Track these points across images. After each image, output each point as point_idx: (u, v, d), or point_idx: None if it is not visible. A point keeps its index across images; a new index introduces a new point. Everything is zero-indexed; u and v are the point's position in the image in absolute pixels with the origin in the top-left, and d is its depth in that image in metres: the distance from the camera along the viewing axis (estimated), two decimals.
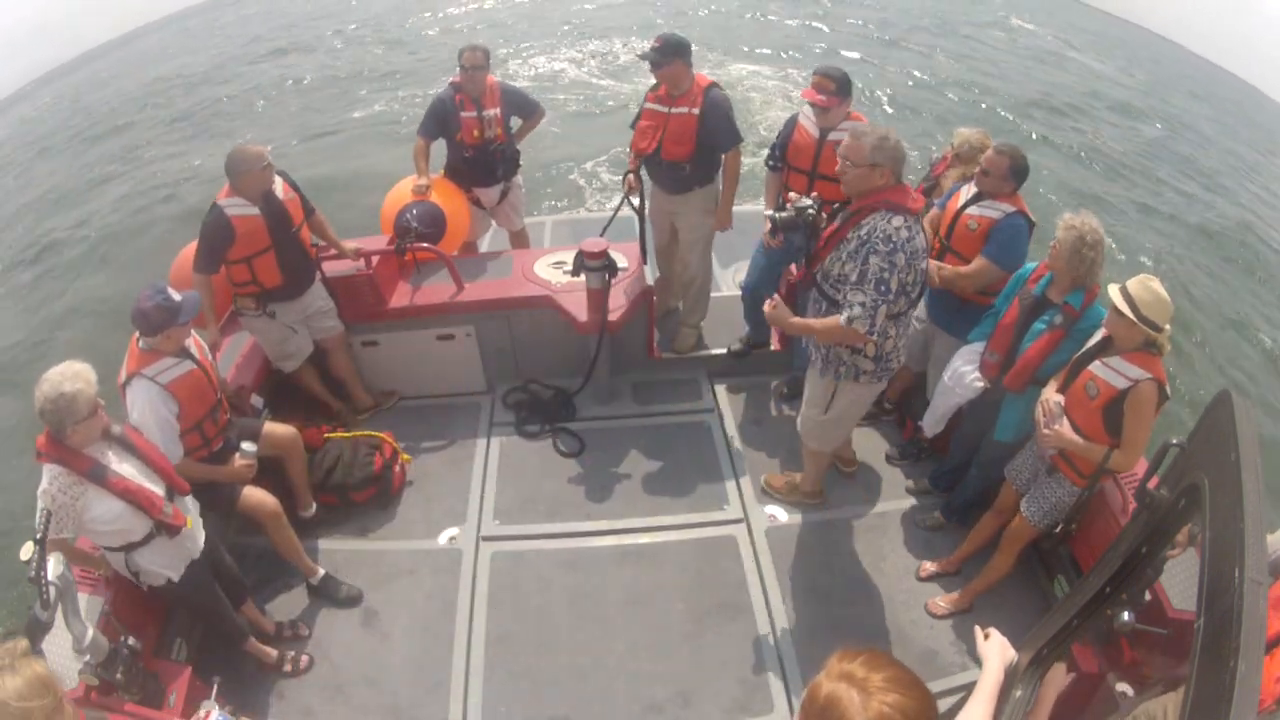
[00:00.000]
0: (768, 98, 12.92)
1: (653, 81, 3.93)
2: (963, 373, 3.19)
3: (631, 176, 4.10)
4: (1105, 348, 2.59)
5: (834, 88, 3.41)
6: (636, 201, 4.16)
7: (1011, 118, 13.03)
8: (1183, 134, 13.91)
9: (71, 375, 2.26)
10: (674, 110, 3.82)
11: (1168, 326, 2.44)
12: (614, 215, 4.45)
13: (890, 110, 12.75)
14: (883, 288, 2.59)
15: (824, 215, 2.90)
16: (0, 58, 17.18)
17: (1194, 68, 20.03)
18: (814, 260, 2.86)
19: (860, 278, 2.59)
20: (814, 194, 2.76)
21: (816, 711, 1.09)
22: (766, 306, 2.77)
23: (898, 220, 2.60)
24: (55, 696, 1.70)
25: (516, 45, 16.17)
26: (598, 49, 15.95)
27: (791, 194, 2.88)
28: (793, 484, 3.73)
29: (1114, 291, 2.47)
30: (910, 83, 14.51)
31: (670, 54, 3.68)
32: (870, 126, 2.70)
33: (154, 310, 2.68)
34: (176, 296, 2.72)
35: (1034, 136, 12.17)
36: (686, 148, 3.85)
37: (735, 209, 4.23)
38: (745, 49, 15.69)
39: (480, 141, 4.47)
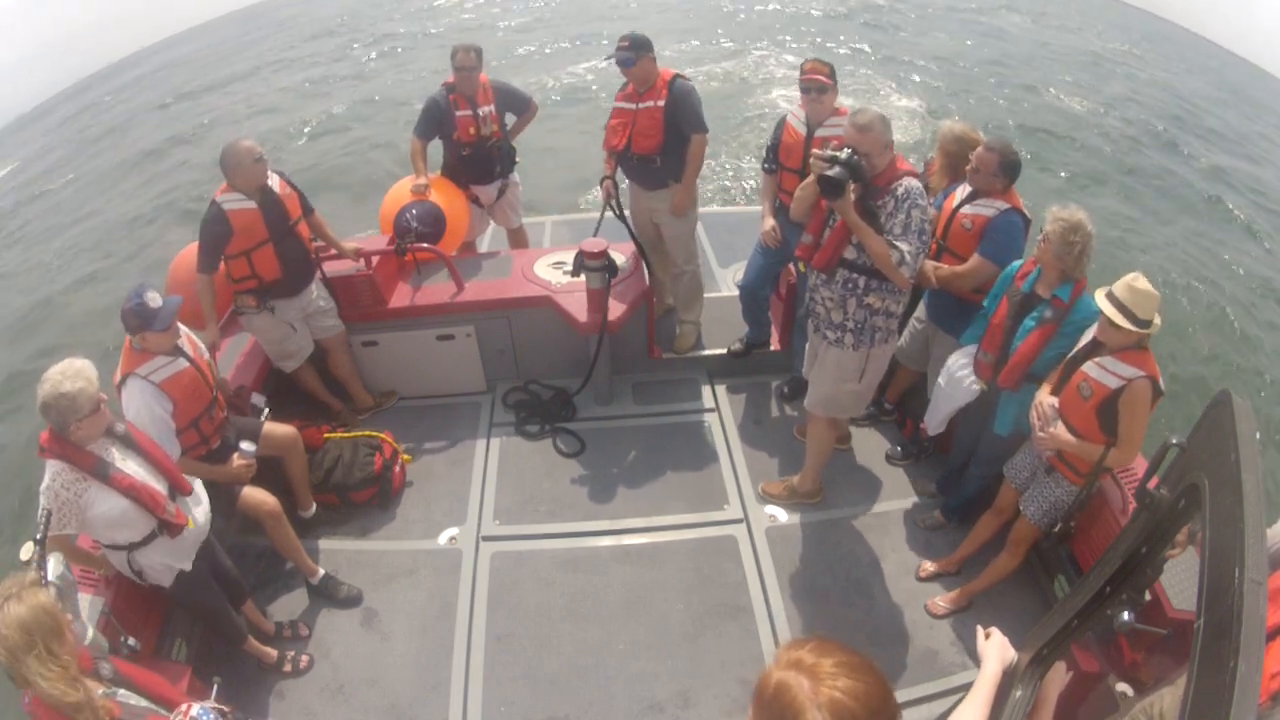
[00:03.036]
0: (766, 96, 12.92)
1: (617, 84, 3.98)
2: (959, 376, 3.19)
3: (608, 183, 4.13)
4: (1097, 348, 2.59)
5: (829, 70, 3.49)
6: (616, 207, 4.19)
7: (1010, 110, 13.03)
8: (1190, 120, 13.86)
9: (73, 374, 2.26)
10: (641, 105, 3.88)
11: (1157, 319, 2.44)
12: (600, 219, 4.47)
13: (895, 102, 12.75)
14: (924, 237, 2.82)
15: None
16: (26, 70, 17.37)
17: (1204, 52, 19.97)
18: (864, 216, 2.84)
19: (904, 229, 2.77)
20: (847, 150, 2.76)
21: (766, 702, 1.05)
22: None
23: (918, 182, 2.82)
24: (57, 624, 1.77)
25: (515, 43, 16.18)
26: (595, 45, 15.95)
27: (820, 151, 2.82)
28: (790, 487, 3.73)
29: (1102, 301, 2.45)
30: (913, 76, 14.51)
31: (640, 50, 3.76)
32: (861, 114, 2.78)
33: (128, 314, 2.70)
34: (153, 303, 2.70)
35: (1036, 128, 12.16)
36: (655, 140, 3.89)
37: (734, 210, 4.23)
38: (753, 49, 15.71)
39: (476, 139, 4.48)
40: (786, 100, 12.64)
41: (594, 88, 13.74)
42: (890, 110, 12.83)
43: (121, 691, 1.96)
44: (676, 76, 3.88)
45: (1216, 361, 7.43)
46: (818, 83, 3.46)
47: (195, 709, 2.06)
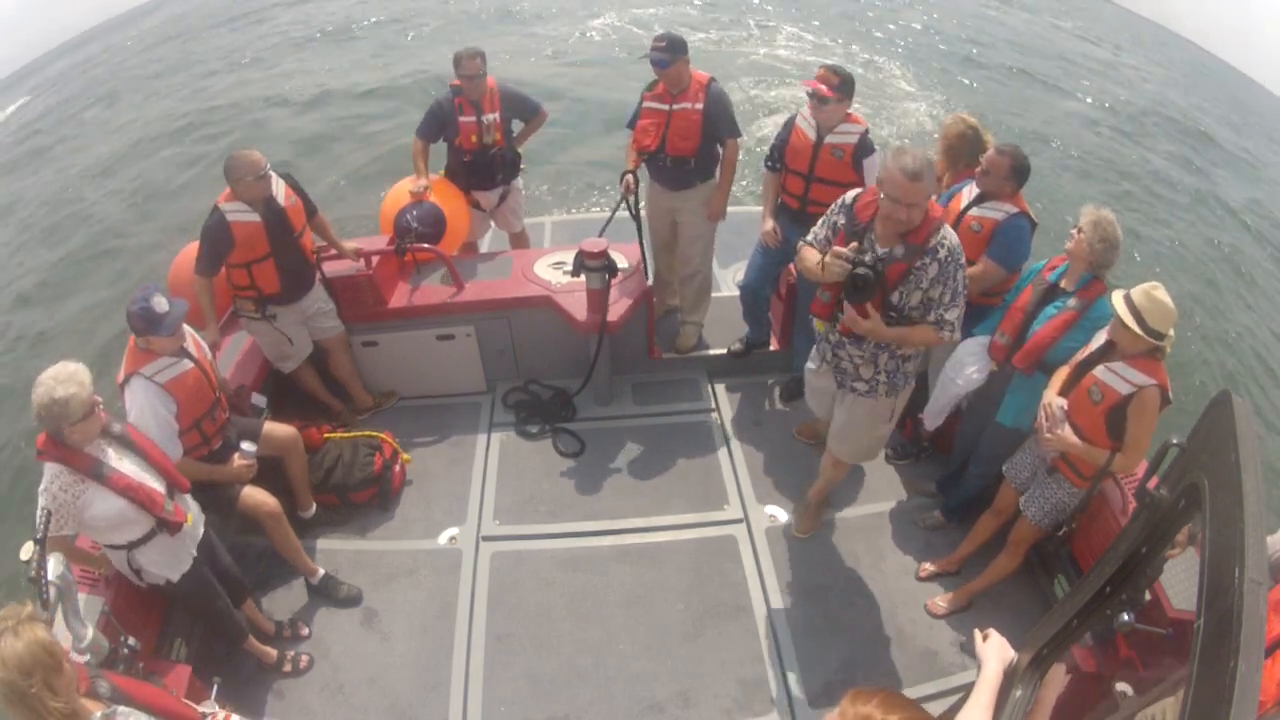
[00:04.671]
0: (776, 97, 12.92)
1: (643, 82, 3.96)
2: (964, 363, 3.19)
3: (630, 178, 4.11)
4: (1108, 352, 2.59)
5: (837, 82, 3.43)
6: (633, 204, 4.18)
7: (1013, 108, 13.03)
8: (1187, 128, 13.89)
9: (65, 378, 2.25)
10: (676, 107, 3.86)
11: (1171, 332, 2.45)
12: (612, 215, 4.45)
13: (897, 101, 12.75)
14: (965, 295, 2.65)
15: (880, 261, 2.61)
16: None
17: (1196, 61, 20.00)
18: (883, 305, 2.62)
19: (954, 295, 2.58)
20: (868, 253, 2.51)
21: None
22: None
23: (951, 230, 2.62)
24: (56, 660, 1.75)
25: (517, 42, 16.16)
26: (597, 44, 15.94)
27: (840, 250, 2.55)
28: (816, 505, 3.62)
29: (1118, 301, 2.47)
30: (913, 70, 14.52)
31: (676, 52, 3.74)
32: (909, 158, 2.41)
33: (134, 317, 2.69)
34: (160, 308, 2.69)
35: (1036, 131, 12.16)
36: (692, 143, 3.89)
37: (735, 210, 4.23)
38: (761, 48, 15.72)
39: (478, 146, 4.47)
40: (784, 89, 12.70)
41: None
42: (894, 96, 12.90)
43: (121, 710, 1.95)
44: (712, 80, 3.88)
45: (1216, 361, 7.44)
46: (818, 92, 3.43)
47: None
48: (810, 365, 3.17)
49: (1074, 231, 2.79)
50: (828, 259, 2.59)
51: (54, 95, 15.76)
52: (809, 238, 2.85)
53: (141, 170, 11.36)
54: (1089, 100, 14.36)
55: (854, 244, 2.61)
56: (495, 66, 4.50)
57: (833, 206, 2.79)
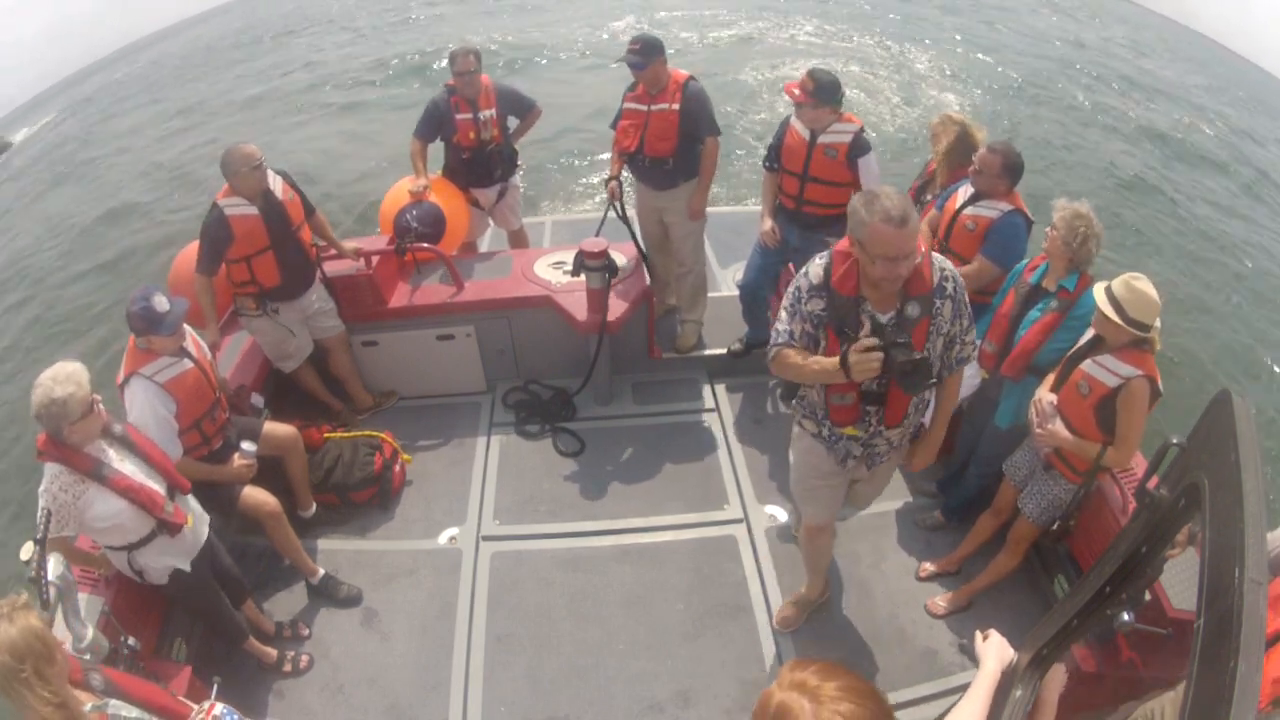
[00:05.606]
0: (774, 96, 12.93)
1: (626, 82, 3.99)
2: None
3: (614, 183, 4.12)
4: (1096, 346, 2.60)
5: (812, 87, 3.38)
6: (620, 208, 4.19)
7: (1013, 106, 13.04)
8: (1187, 116, 13.89)
9: (63, 378, 2.25)
10: (654, 107, 3.87)
11: (1157, 323, 2.44)
12: (603, 219, 4.47)
13: (895, 99, 12.76)
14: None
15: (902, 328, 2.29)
16: (19, 63, 17.48)
17: (1205, 51, 20.02)
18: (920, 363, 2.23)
19: (971, 321, 2.37)
20: (889, 328, 2.20)
21: None
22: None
23: (937, 255, 2.38)
24: (48, 648, 1.76)
25: (516, 39, 16.17)
26: (595, 44, 15.94)
27: (868, 342, 2.16)
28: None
29: (1099, 293, 2.47)
30: (916, 65, 14.55)
31: (650, 54, 3.76)
32: (889, 203, 2.05)
33: (134, 317, 2.70)
34: (160, 307, 2.69)
35: (1034, 125, 12.16)
36: (669, 143, 3.90)
37: (735, 210, 4.24)
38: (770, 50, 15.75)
39: (476, 144, 4.48)
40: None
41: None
42: (904, 90, 12.91)
43: (113, 703, 1.95)
44: (690, 79, 3.88)
45: (1216, 361, 7.43)
46: (791, 94, 3.43)
47: (219, 708, 2.07)
48: (815, 473, 2.70)
49: (1049, 229, 2.77)
50: (853, 360, 2.13)
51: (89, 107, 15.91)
52: (780, 340, 2.36)
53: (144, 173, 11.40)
54: (1097, 95, 14.35)
55: (863, 326, 2.22)
56: (510, 59, 4.52)
57: (794, 294, 2.32)
